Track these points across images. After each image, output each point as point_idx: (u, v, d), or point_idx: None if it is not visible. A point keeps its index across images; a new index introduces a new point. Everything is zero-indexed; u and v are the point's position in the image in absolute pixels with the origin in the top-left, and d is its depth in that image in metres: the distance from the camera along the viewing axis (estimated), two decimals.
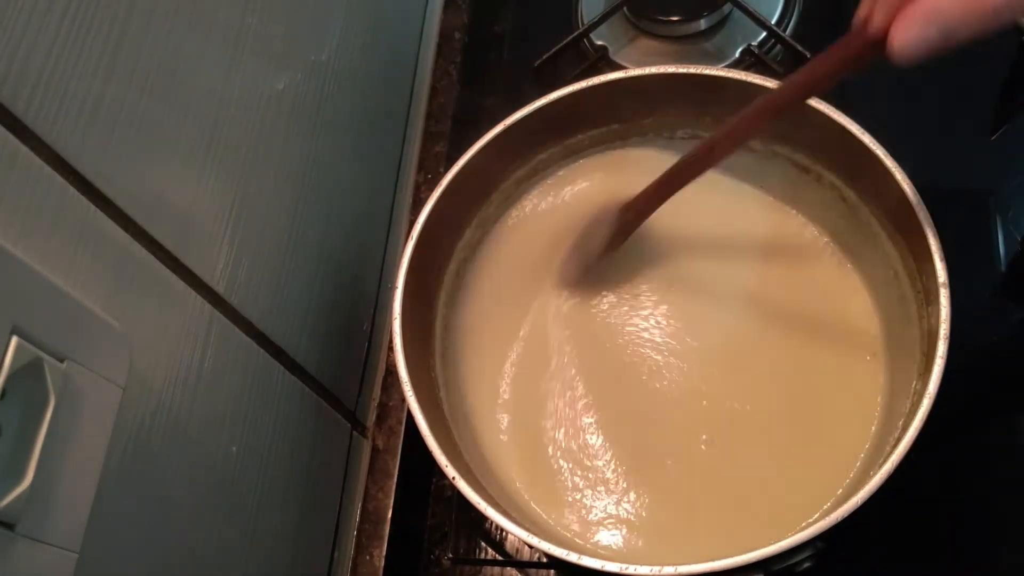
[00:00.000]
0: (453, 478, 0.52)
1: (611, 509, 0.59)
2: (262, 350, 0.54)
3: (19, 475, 0.33)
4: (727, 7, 0.76)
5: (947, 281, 0.52)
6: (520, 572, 0.64)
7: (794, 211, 0.65)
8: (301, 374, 0.59)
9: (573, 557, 0.49)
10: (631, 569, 0.48)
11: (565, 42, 0.77)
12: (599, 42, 0.78)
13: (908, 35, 0.40)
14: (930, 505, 0.60)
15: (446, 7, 0.85)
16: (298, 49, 0.58)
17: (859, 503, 0.47)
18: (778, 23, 0.76)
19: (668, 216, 0.66)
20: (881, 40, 0.42)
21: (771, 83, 0.58)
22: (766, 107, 0.52)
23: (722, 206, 0.67)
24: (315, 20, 0.61)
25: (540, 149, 0.65)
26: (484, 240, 0.66)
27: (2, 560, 0.32)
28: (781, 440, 0.59)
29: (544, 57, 0.77)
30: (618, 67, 0.76)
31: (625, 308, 0.65)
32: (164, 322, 0.44)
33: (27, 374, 0.33)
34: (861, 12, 0.44)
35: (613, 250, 0.62)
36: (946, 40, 0.39)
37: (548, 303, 0.66)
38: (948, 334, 0.51)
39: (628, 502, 0.59)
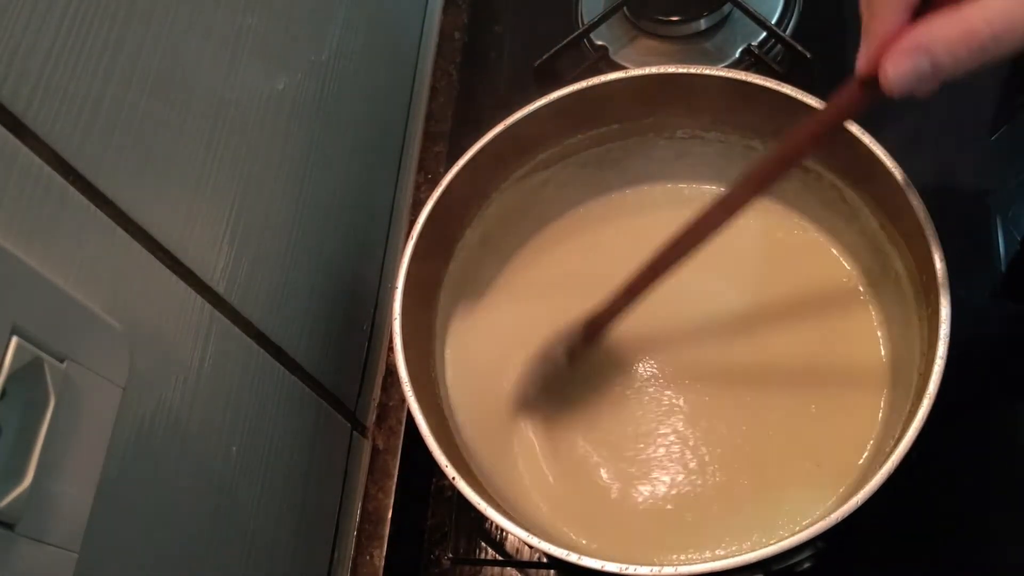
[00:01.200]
0: (453, 478, 0.52)
1: (611, 508, 0.59)
2: (262, 350, 0.54)
3: (19, 475, 0.33)
4: (727, 7, 0.76)
5: (947, 281, 0.52)
6: (520, 572, 0.64)
7: (794, 211, 0.65)
8: (301, 374, 0.59)
9: (573, 557, 0.49)
10: (631, 569, 0.48)
11: (565, 42, 0.77)
12: (599, 42, 0.78)
13: (898, 69, 0.39)
14: (930, 505, 0.60)
15: (446, 7, 0.85)
16: (298, 49, 0.58)
17: (859, 503, 0.47)
18: (778, 23, 0.76)
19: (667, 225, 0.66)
20: (874, 76, 0.40)
21: (771, 83, 0.58)
22: (761, 173, 0.49)
23: None
24: (315, 20, 0.61)
25: (540, 149, 0.65)
26: (485, 240, 0.66)
27: (2, 560, 0.32)
28: (784, 440, 0.59)
29: (544, 57, 0.77)
30: (618, 67, 0.76)
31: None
32: (164, 322, 0.44)
33: (27, 374, 0.33)
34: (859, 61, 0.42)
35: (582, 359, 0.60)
36: (937, 73, 0.38)
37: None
38: (948, 334, 0.51)
39: (629, 501, 0.59)
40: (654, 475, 0.59)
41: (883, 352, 0.60)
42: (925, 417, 0.48)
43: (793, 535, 0.47)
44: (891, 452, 0.48)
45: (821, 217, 0.64)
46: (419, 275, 0.59)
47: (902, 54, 0.39)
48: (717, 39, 0.77)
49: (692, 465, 0.60)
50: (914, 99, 0.40)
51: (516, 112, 0.61)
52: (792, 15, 0.77)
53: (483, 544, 0.65)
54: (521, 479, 0.61)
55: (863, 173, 0.58)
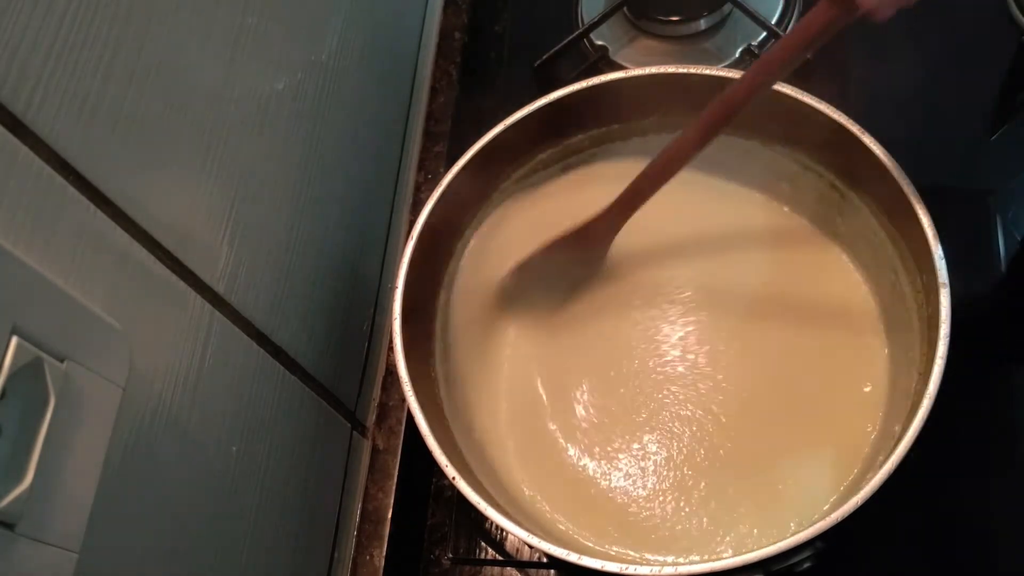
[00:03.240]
0: (453, 478, 0.52)
1: (612, 507, 0.59)
2: (262, 350, 0.54)
3: (19, 475, 0.33)
4: (727, 7, 0.76)
5: (947, 281, 0.52)
6: (520, 572, 0.64)
7: (795, 211, 0.65)
8: (301, 374, 0.59)
9: (573, 557, 0.49)
10: (631, 569, 0.48)
11: (565, 42, 0.77)
12: (599, 42, 0.78)
13: None
14: (930, 505, 0.60)
15: (446, 7, 0.85)
16: (298, 49, 0.58)
17: (859, 503, 0.47)
18: (778, 23, 0.76)
19: (670, 221, 0.66)
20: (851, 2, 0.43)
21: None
22: (739, 90, 0.52)
23: (721, 208, 0.67)
24: (315, 20, 0.61)
25: (540, 149, 0.65)
26: (485, 239, 0.66)
27: (2, 560, 0.32)
28: (784, 440, 0.59)
29: (544, 57, 0.77)
30: (618, 67, 0.76)
31: (623, 309, 0.65)
32: (164, 322, 0.44)
33: (27, 374, 0.33)
34: None
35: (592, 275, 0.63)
36: None
37: (547, 303, 0.66)
38: (948, 334, 0.51)
39: (629, 500, 0.59)
40: (651, 468, 0.60)
41: (883, 352, 0.60)
42: (925, 417, 0.49)
43: (793, 535, 0.47)
44: (891, 452, 0.48)
45: (821, 217, 0.64)
46: (419, 275, 0.59)
47: None
48: (717, 39, 0.77)
49: (693, 461, 0.60)
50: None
51: (516, 112, 0.62)
52: (792, 15, 0.77)
53: (483, 544, 0.65)
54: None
55: (863, 173, 0.58)
